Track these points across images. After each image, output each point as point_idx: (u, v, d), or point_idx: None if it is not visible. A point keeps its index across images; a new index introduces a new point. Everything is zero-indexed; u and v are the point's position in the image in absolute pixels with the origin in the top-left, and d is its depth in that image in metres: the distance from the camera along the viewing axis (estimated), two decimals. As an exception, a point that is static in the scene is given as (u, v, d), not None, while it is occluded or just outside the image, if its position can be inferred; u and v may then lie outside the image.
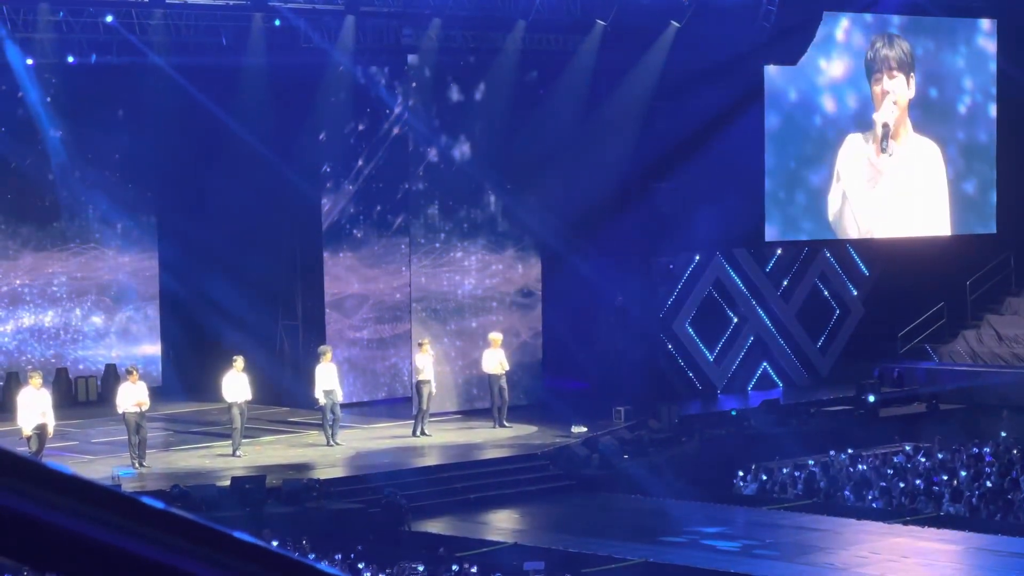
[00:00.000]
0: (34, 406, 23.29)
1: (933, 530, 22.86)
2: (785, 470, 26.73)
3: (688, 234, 33.02)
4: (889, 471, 26.23)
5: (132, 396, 24.26)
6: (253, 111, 29.31)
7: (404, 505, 23.03)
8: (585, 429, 28.13)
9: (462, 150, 30.58)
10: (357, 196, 31.02)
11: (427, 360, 27.67)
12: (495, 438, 27.73)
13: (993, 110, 37.70)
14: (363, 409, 30.50)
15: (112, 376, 30.95)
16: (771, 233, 34.66)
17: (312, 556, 19.44)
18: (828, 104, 35.21)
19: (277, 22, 28.38)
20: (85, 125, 30.61)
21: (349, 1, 28.29)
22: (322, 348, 27.30)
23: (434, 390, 27.74)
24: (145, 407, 24.41)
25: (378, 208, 31.29)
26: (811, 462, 26.96)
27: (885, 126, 35.65)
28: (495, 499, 24.78)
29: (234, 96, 29.41)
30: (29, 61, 27.60)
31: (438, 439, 27.53)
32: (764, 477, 26.59)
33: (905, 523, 23.28)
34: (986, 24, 37.56)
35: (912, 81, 36.25)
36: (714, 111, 32.47)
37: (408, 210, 30.65)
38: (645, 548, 21.76)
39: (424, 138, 30.16)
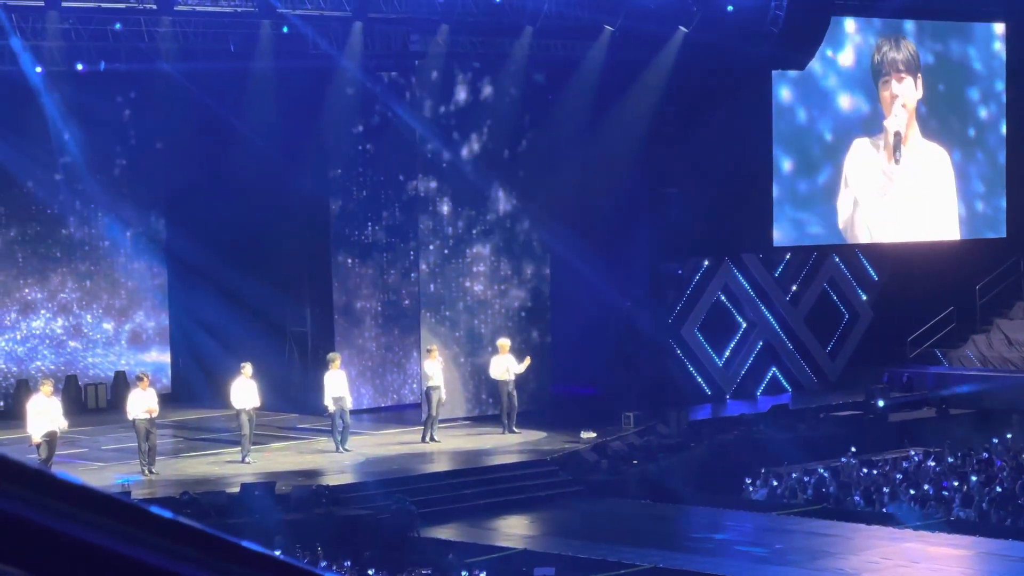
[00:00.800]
0: (44, 413, 23.31)
1: (943, 535, 22.81)
2: (794, 475, 26.71)
3: (696, 239, 33.00)
4: (899, 476, 26.20)
5: (142, 403, 24.27)
6: (261, 117, 29.35)
7: (413, 511, 23.00)
8: (594, 434, 28.11)
9: (470, 156, 30.61)
10: (365, 202, 31.08)
11: (436, 366, 27.64)
12: (504, 444, 27.73)
13: (1002, 113, 37.66)
14: (372, 415, 30.51)
15: (122, 383, 30.95)
16: (779, 238, 34.66)
17: (323, 564, 19.45)
18: (835, 108, 35.21)
19: (285, 29, 28.39)
20: (94, 132, 30.64)
21: (357, 7, 28.30)
22: (331, 355, 27.27)
23: (444, 396, 27.74)
24: (155, 414, 24.44)
25: (386, 214, 31.34)
26: (820, 467, 26.93)
27: (897, 135, 35.63)
28: (504, 505, 24.74)
29: (242, 102, 29.45)
30: (38, 69, 27.63)
31: (447, 445, 27.51)
32: (774, 482, 26.55)
33: (915, 528, 23.23)
34: (998, 28, 37.54)
35: (920, 82, 36.23)
36: (722, 116, 32.47)
37: (416, 216, 30.67)
38: (655, 554, 21.73)
39: (432, 144, 30.18)
